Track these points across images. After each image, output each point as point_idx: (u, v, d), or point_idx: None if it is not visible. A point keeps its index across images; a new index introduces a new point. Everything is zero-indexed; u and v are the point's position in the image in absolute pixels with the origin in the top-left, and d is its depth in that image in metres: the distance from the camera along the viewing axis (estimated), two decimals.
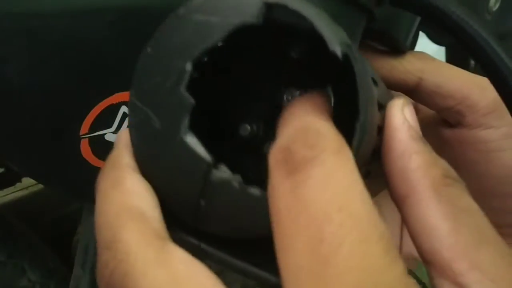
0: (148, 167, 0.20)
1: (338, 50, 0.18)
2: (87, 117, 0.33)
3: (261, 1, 0.19)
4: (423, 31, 0.61)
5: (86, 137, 0.34)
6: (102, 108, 0.33)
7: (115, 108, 0.34)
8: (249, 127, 0.24)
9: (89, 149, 0.34)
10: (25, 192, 0.61)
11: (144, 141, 0.20)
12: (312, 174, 0.15)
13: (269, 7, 0.19)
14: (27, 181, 0.60)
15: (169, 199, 0.20)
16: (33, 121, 0.32)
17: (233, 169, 0.19)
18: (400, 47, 0.30)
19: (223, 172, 0.19)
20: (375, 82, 0.22)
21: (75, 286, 0.46)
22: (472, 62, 0.70)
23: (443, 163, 0.20)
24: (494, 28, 0.57)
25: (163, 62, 0.20)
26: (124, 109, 0.34)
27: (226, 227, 0.19)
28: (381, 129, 0.22)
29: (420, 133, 0.22)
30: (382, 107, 0.22)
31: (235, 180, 0.19)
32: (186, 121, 0.19)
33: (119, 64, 0.33)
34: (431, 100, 0.31)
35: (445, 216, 0.19)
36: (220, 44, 0.19)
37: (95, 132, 0.34)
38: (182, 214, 0.20)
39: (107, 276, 0.18)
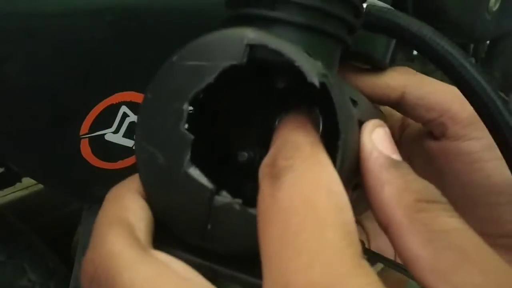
0: (156, 198, 0.23)
1: (315, 81, 0.20)
2: (87, 117, 0.33)
3: (244, 44, 0.21)
4: None
5: (86, 137, 0.34)
6: (102, 108, 0.33)
7: (115, 108, 0.34)
8: (246, 154, 0.27)
9: (89, 149, 0.34)
10: (25, 192, 0.61)
11: (151, 176, 0.22)
12: (286, 179, 0.18)
13: (251, 47, 0.21)
14: (27, 181, 0.60)
15: (176, 224, 0.22)
16: (33, 121, 0.32)
17: (234, 193, 0.22)
18: (379, 65, 0.32)
19: (224, 197, 0.21)
20: (354, 102, 0.24)
21: (75, 286, 0.46)
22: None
23: (416, 185, 0.21)
24: (494, 28, 0.57)
25: (162, 105, 0.22)
26: (124, 109, 0.34)
27: (231, 245, 0.22)
28: None
29: (393, 154, 0.22)
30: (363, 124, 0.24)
31: (236, 203, 0.21)
32: (187, 155, 0.21)
33: (119, 64, 0.33)
34: (414, 112, 0.32)
35: (422, 244, 0.19)
36: (211, 83, 0.21)
37: (95, 132, 0.34)
38: (189, 236, 0.22)
39: (91, 271, 0.20)
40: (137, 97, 0.34)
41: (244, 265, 0.22)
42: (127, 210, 0.22)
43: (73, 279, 0.47)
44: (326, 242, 0.17)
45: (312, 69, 0.20)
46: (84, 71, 0.32)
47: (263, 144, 0.26)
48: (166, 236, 0.22)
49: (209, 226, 0.21)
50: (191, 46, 0.22)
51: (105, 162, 0.35)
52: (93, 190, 0.36)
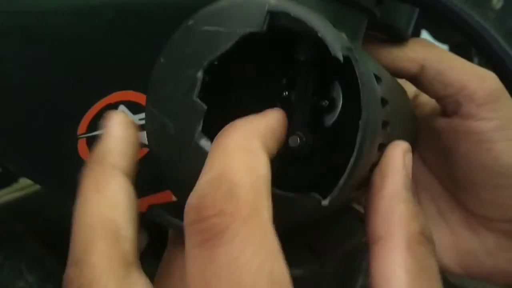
0: (166, 168, 0.22)
1: (339, 54, 0.19)
2: (85, 116, 0.33)
3: (265, 10, 0.20)
4: (426, 30, 0.61)
5: (83, 137, 0.33)
6: (100, 108, 0.33)
7: (113, 107, 0.33)
8: None
9: (87, 149, 0.34)
10: (22, 193, 0.61)
11: (161, 145, 0.22)
12: (221, 255, 0.16)
13: (273, 15, 0.20)
14: (24, 181, 0.60)
15: (184, 195, 0.21)
16: (30, 120, 0.32)
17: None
18: (402, 35, 0.31)
19: None
20: (378, 79, 0.23)
21: None
22: (475, 61, 0.70)
23: (422, 220, 0.22)
24: (496, 26, 0.56)
25: (175, 71, 0.21)
26: (122, 108, 0.34)
27: None
28: (387, 124, 0.23)
29: (412, 184, 0.23)
30: (386, 102, 0.23)
31: None
32: (199, 126, 0.21)
33: (118, 62, 0.33)
34: (431, 87, 0.31)
35: (407, 270, 0.20)
36: (227, 50, 0.20)
37: (92, 131, 0.34)
38: None
39: None
40: (135, 96, 0.34)
41: None
42: (112, 206, 0.20)
43: None
44: None
45: (336, 41, 0.19)
46: (81, 69, 0.32)
47: None
48: (174, 205, 0.22)
49: None
50: (209, 10, 0.21)
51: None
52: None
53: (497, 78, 0.29)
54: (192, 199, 0.18)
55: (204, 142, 0.21)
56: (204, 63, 0.21)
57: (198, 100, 0.21)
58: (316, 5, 0.22)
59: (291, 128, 0.24)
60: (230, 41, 0.20)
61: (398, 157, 0.23)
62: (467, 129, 0.31)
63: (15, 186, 0.61)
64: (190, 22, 0.22)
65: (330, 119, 0.25)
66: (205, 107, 0.21)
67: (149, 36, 0.33)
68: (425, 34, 0.62)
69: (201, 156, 0.20)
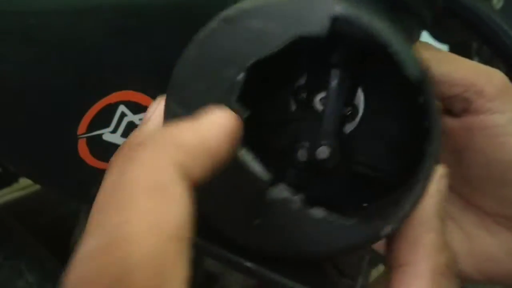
0: (205, 198, 0.17)
1: (415, 74, 0.17)
2: (85, 116, 0.33)
3: (332, 13, 0.17)
4: (426, 30, 0.61)
5: (83, 137, 0.33)
6: (100, 108, 0.33)
7: (113, 107, 0.33)
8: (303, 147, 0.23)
9: (87, 149, 0.34)
10: (22, 193, 0.61)
11: None
12: None
13: (338, 20, 0.18)
14: (24, 181, 0.60)
15: (217, 214, 0.19)
16: (30, 120, 0.32)
17: (297, 188, 0.18)
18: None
19: (281, 192, 0.18)
20: None
21: None
22: (475, 60, 0.70)
23: (449, 252, 0.21)
24: None
25: (209, 69, 0.18)
26: (122, 108, 0.34)
27: (278, 246, 0.18)
28: None
29: (445, 212, 0.22)
30: None
31: (295, 200, 0.18)
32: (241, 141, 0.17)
33: (117, 62, 0.33)
34: (436, 89, 0.31)
35: None
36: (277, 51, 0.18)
37: (92, 132, 0.34)
38: (230, 229, 0.19)
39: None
40: (135, 96, 0.34)
41: (286, 269, 0.19)
42: (171, 223, 0.14)
43: None
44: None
45: (411, 59, 0.17)
46: (81, 69, 0.32)
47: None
48: (202, 226, 0.17)
49: (256, 221, 0.18)
50: (257, 3, 0.18)
51: (103, 163, 0.35)
52: (91, 191, 0.36)
53: (503, 74, 0.29)
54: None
55: (245, 155, 0.18)
56: (247, 64, 0.18)
57: (238, 105, 0.18)
58: (374, 13, 0.19)
59: (317, 138, 0.22)
60: (281, 42, 0.18)
61: (434, 182, 0.21)
62: (480, 124, 0.30)
63: (15, 186, 0.61)
64: (231, 13, 0.18)
65: (350, 127, 0.23)
66: (246, 112, 0.18)
67: (149, 35, 0.33)
68: (425, 34, 0.62)
69: (241, 170, 0.18)
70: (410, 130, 0.22)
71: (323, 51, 0.22)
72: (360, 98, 0.23)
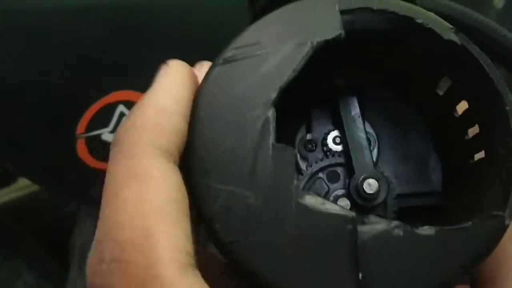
0: (262, 255, 0.15)
1: (454, 38, 0.16)
2: (83, 116, 0.33)
3: (336, 12, 0.16)
4: None
5: (82, 137, 0.33)
6: (99, 108, 0.33)
7: (112, 107, 0.33)
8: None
9: (86, 149, 0.34)
10: (20, 193, 0.61)
11: (239, 225, 0.15)
12: None
13: (347, 13, 0.16)
14: (22, 182, 0.60)
15: (299, 284, 0.15)
16: (29, 120, 0.32)
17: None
18: None
19: (374, 224, 0.14)
20: None
21: None
22: None
23: None
24: None
25: (229, 120, 0.15)
26: (121, 108, 0.34)
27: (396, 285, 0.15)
28: None
29: None
30: None
31: (395, 226, 0.14)
32: (294, 179, 0.14)
33: (116, 62, 0.33)
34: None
35: None
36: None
37: (91, 131, 0.34)
38: None
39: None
40: (134, 96, 0.34)
41: None
42: (156, 212, 0.15)
43: (69, 282, 0.46)
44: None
45: (447, 29, 0.16)
46: (80, 69, 0.32)
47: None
48: None
49: (360, 275, 0.14)
50: (247, 33, 0.16)
51: (102, 163, 0.35)
52: (90, 191, 0.36)
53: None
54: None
55: (310, 199, 0.14)
56: (272, 97, 0.15)
57: (280, 144, 0.15)
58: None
59: (354, 175, 0.19)
60: (299, 60, 0.15)
61: None
62: None
63: (14, 186, 0.61)
64: (228, 55, 0.16)
65: (374, 155, 0.20)
66: (294, 150, 0.15)
67: (148, 35, 0.33)
68: None
69: (312, 219, 0.14)
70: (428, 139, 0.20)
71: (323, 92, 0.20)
72: (367, 125, 0.21)
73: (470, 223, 0.15)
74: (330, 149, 0.20)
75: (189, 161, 0.16)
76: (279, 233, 0.14)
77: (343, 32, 0.16)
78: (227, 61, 0.16)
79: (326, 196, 0.19)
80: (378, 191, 0.18)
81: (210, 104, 0.16)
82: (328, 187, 0.19)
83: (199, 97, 0.16)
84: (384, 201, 0.18)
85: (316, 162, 0.19)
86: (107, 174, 0.17)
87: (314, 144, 0.20)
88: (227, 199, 0.15)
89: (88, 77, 0.32)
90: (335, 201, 0.19)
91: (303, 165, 0.20)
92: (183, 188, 0.16)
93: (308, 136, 0.21)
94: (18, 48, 0.30)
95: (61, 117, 0.33)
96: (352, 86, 0.20)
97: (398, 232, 0.14)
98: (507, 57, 0.26)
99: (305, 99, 0.20)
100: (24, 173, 0.37)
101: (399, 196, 0.19)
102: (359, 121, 0.19)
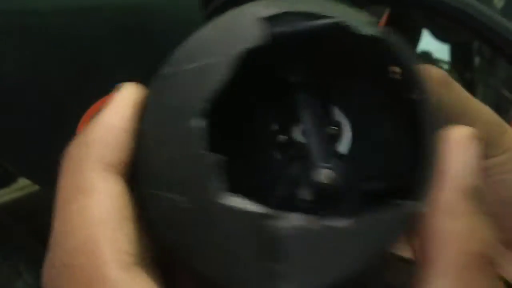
0: (192, 255, 0.17)
1: (374, 32, 0.16)
2: (84, 116, 0.33)
3: (257, 18, 0.16)
4: (428, 29, 0.61)
5: None
6: (99, 107, 0.33)
7: None
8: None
9: None
10: (20, 193, 0.61)
11: (176, 229, 0.17)
12: None
13: (268, 20, 0.16)
14: (23, 182, 0.60)
15: (225, 280, 0.16)
16: (29, 120, 0.32)
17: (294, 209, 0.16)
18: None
19: (290, 220, 0.15)
20: None
21: None
22: (476, 60, 0.70)
23: (486, 233, 0.17)
24: None
25: (165, 132, 0.17)
26: None
27: (317, 282, 0.16)
28: None
29: (480, 183, 0.17)
30: None
31: (311, 222, 0.15)
32: (221, 184, 0.15)
33: (117, 62, 0.33)
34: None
35: None
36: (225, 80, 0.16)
37: None
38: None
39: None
40: None
41: None
42: (97, 223, 0.17)
43: None
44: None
45: (365, 25, 0.16)
46: (80, 69, 0.32)
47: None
48: None
49: (277, 267, 0.15)
50: (186, 47, 0.18)
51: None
52: None
53: (493, 111, 0.27)
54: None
55: (235, 201, 0.15)
56: (201, 106, 0.16)
57: (211, 153, 0.16)
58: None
59: (312, 163, 0.20)
60: (224, 70, 0.16)
61: (458, 155, 0.17)
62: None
63: (14, 186, 0.61)
64: (165, 70, 0.18)
65: (345, 147, 0.21)
66: (222, 158, 0.16)
67: (149, 34, 0.33)
68: (426, 34, 0.62)
69: (236, 219, 0.15)
70: (405, 128, 0.20)
71: (280, 82, 0.21)
72: (340, 115, 0.21)
73: (384, 210, 0.16)
74: (296, 144, 0.21)
75: (135, 172, 0.18)
76: (208, 233, 0.16)
77: (263, 39, 0.16)
78: (163, 76, 0.18)
79: (294, 190, 0.20)
80: (338, 181, 0.19)
81: (149, 119, 0.18)
82: (296, 181, 0.20)
83: (141, 113, 0.19)
84: (349, 190, 0.19)
85: (285, 159, 0.21)
86: (57, 188, 0.19)
87: (286, 142, 0.21)
88: (167, 205, 0.17)
89: (88, 76, 0.32)
90: (303, 194, 0.20)
91: (276, 164, 0.21)
92: (126, 196, 0.18)
93: (279, 135, 0.22)
94: (19, 48, 0.30)
95: (61, 117, 0.33)
96: (312, 81, 0.21)
97: (315, 226, 0.15)
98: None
99: (266, 99, 0.21)
100: (24, 173, 0.37)
101: (369, 183, 0.20)
102: (318, 112, 0.20)
